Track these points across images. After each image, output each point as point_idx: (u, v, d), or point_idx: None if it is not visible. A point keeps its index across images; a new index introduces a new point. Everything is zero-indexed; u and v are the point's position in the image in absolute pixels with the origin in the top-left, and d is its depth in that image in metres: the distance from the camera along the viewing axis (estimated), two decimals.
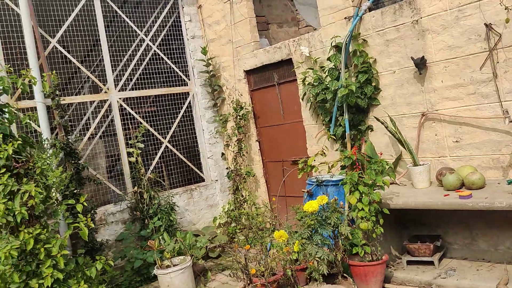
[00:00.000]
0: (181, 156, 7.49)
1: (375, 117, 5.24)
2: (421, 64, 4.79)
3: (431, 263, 4.66)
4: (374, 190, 4.40)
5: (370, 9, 5.36)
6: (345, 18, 5.48)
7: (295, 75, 6.26)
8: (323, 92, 5.65)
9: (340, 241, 4.28)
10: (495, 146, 4.48)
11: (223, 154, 7.68)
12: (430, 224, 5.02)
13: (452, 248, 4.87)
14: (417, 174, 4.76)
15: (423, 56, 4.77)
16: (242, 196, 7.21)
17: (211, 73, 7.48)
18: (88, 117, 7.42)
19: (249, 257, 4.31)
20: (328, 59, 5.55)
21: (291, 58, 6.27)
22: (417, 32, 4.86)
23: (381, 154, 4.86)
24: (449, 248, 4.88)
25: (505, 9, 4.10)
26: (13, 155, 4.18)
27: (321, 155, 5.14)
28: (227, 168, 7.63)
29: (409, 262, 4.78)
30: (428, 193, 4.55)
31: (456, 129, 4.74)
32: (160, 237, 5.90)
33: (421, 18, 4.79)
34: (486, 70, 4.41)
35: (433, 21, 4.71)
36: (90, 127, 6.96)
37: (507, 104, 4.32)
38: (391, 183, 4.92)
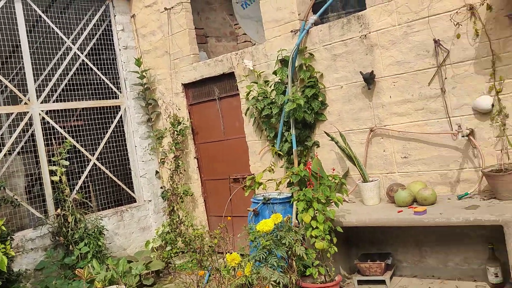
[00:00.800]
0: (111, 175, 6.89)
1: (325, 132, 5.09)
2: (370, 79, 4.73)
3: (382, 282, 4.53)
4: (327, 207, 4.21)
5: (316, 23, 5.26)
6: (291, 31, 5.34)
7: (238, 90, 6.01)
8: (269, 107, 5.44)
9: (294, 262, 4.01)
10: (443, 161, 4.49)
11: (157, 172, 7.18)
12: (379, 242, 4.91)
13: (401, 266, 4.78)
14: (367, 191, 4.64)
15: (372, 71, 4.72)
16: (179, 217, 6.74)
17: (146, 86, 7.02)
18: (4, 132, 6.62)
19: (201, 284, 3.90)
20: (274, 72, 5.36)
21: (233, 72, 6.01)
22: (365, 47, 4.81)
23: (333, 170, 4.70)
24: (399, 266, 4.78)
25: (456, 25, 4.15)
26: None
27: (269, 171, 4.88)
28: (161, 188, 7.14)
29: (359, 282, 4.62)
30: (380, 209, 4.44)
31: (404, 145, 4.71)
32: (89, 264, 5.28)
33: (369, 33, 4.76)
34: (435, 86, 4.43)
35: (381, 36, 4.69)
36: (6, 142, 6.19)
37: (455, 119, 4.35)
38: None
